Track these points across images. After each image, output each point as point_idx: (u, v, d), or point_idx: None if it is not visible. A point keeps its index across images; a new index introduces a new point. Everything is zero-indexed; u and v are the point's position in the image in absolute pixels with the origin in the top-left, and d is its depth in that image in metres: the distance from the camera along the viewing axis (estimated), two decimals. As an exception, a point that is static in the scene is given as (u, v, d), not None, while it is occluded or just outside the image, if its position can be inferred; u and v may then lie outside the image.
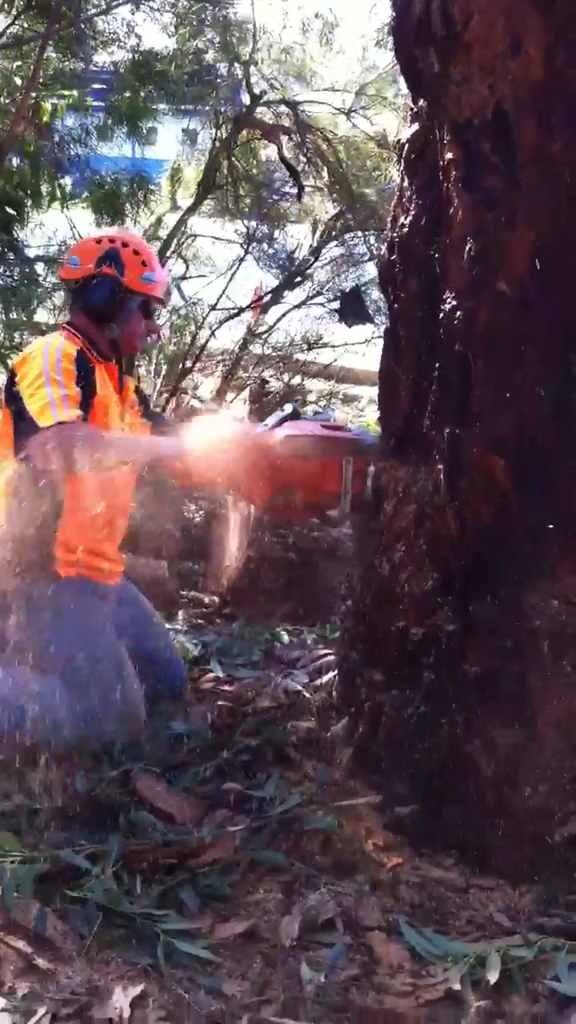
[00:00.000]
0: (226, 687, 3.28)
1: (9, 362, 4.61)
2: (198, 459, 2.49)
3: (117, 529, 3.02)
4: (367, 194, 5.90)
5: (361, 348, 6.82)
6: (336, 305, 6.61)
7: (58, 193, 5.43)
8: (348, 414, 7.61)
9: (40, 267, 5.60)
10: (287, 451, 2.54)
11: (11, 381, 2.74)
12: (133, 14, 5.29)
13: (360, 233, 6.32)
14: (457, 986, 1.97)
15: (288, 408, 2.70)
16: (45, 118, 5.04)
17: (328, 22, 5.86)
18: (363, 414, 7.55)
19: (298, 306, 6.83)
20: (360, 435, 2.76)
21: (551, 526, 2.32)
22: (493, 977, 1.99)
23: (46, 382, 2.52)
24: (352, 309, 6.23)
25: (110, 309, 2.85)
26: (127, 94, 5.36)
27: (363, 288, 6.34)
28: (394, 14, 2.40)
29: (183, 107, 5.87)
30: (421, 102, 2.47)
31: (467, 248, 2.30)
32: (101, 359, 2.90)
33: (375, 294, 6.01)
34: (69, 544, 2.79)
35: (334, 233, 6.50)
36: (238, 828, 2.41)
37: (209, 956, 2.05)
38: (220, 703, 3.13)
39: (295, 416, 2.66)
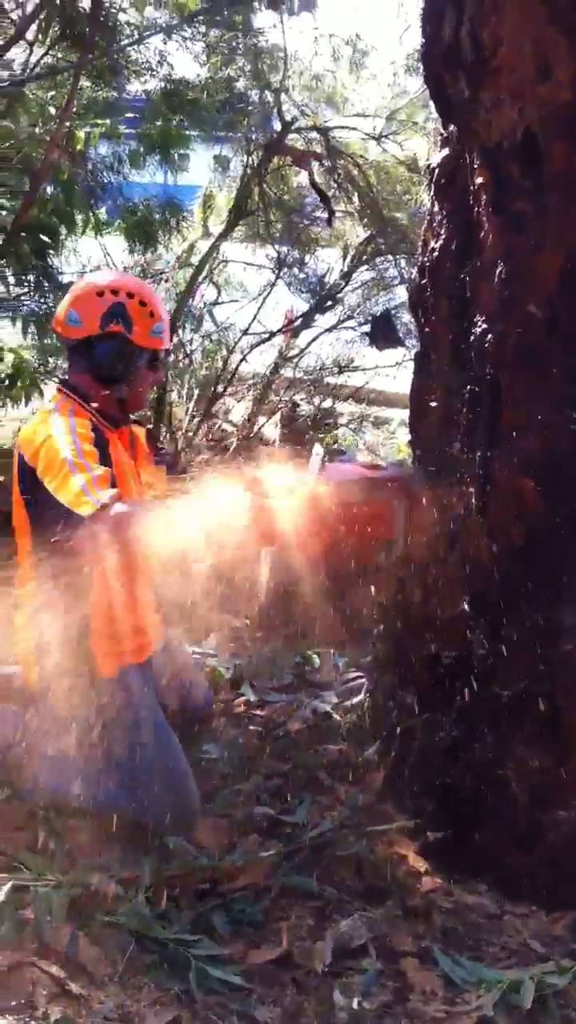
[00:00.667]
0: (258, 711, 3.28)
1: (42, 388, 4.66)
2: (252, 520, 2.33)
3: (151, 592, 2.78)
4: (398, 218, 5.91)
5: (392, 371, 6.82)
6: (367, 329, 6.62)
7: (92, 220, 5.48)
8: (379, 436, 7.61)
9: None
10: (340, 500, 2.42)
11: (22, 467, 2.51)
12: (165, 43, 5.34)
13: (391, 257, 6.33)
14: (491, 1012, 1.96)
15: (318, 451, 2.62)
16: (79, 146, 5.09)
17: (359, 49, 5.91)
18: (394, 437, 7.54)
19: (329, 330, 6.85)
20: (401, 472, 2.69)
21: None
22: (527, 1003, 1.98)
23: (71, 469, 2.32)
24: (383, 333, 6.23)
25: (119, 371, 2.59)
26: (159, 122, 5.41)
27: (393, 312, 6.35)
28: (424, 40, 2.42)
29: (215, 134, 5.93)
30: (451, 127, 2.49)
31: (497, 271, 2.31)
32: (112, 427, 2.63)
33: (405, 317, 6.01)
34: (105, 636, 2.56)
35: (364, 257, 6.52)
36: (269, 854, 2.41)
37: (241, 982, 2.05)
38: (251, 727, 3.13)
39: (330, 457, 2.57)
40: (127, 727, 2.49)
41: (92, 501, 2.24)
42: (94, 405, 2.59)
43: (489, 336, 2.34)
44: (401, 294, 6.39)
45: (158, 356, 2.69)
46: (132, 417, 2.82)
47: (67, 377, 2.68)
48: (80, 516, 2.23)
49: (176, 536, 2.23)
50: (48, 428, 2.46)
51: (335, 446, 6.77)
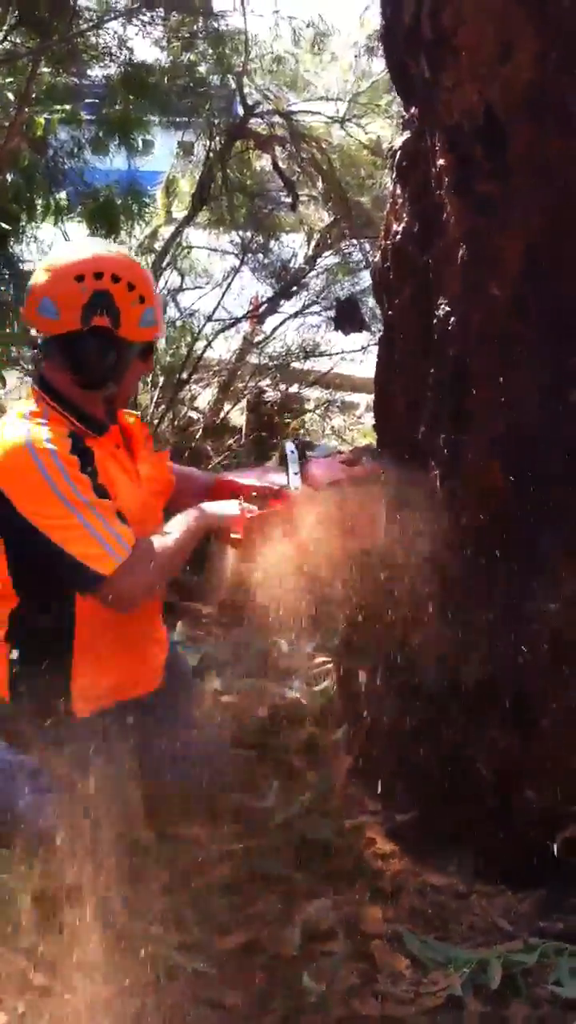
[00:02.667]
0: (225, 697, 3.27)
1: (3, 375, 4.60)
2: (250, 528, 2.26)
3: (154, 623, 2.49)
4: (362, 202, 5.89)
5: (358, 356, 6.81)
6: (332, 314, 6.60)
7: (53, 206, 5.43)
8: (346, 421, 7.60)
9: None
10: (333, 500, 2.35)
11: None
12: (125, 28, 5.29)
13: (355, 241, 6.31)
14: (459, 992, 1.98)
15: (291, 447, 2.46)
16: (39, 132, 5.04)
17: (320, 31, 5.88)
18: (361, 421, 7.54)
19: (294, 315, 6.82)
20: (378, 464, 2.58)
21: (549, 528, 2.32)
22: (495, 983, 1.99)
23: (73, 510, 2.01)
24: (348, 317, 6.22)
25: (106, 372, 2.18)
26: (119, 107, 5.36)
27: (359, 296, 6.34)
28: (384, 21, 2.41)
29: (176, 119, 5.88)
30: (413, 109, 2.48)
31: (460, 253, 2.30)
32: (95, 433, 2.23)
33: (371, 302, 5.99)
34: (88, 683, 2.24)
35: (329, 241, 6.50)
36: (239, 843, 2.40)
37: (210, 969, 2.04)
38: (219, 714, 3.12)
39: (303, 454, 2.46)
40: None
41: (112, 556, 2.02)
42: (74, 409, 2.21)
43: (453, 319, 2.34)
44: (366, 278, 6.36)
45: (152, 346, 2.34)
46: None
47: (41, 372, 2.25)
48: (96, 573, 2.03)
49: (180, 560, 2.24)
50: (18, 441, 2.08)
51: (306, 438, 6.75)
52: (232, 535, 2.29)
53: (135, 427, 2.46)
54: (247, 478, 2.51)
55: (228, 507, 2.33)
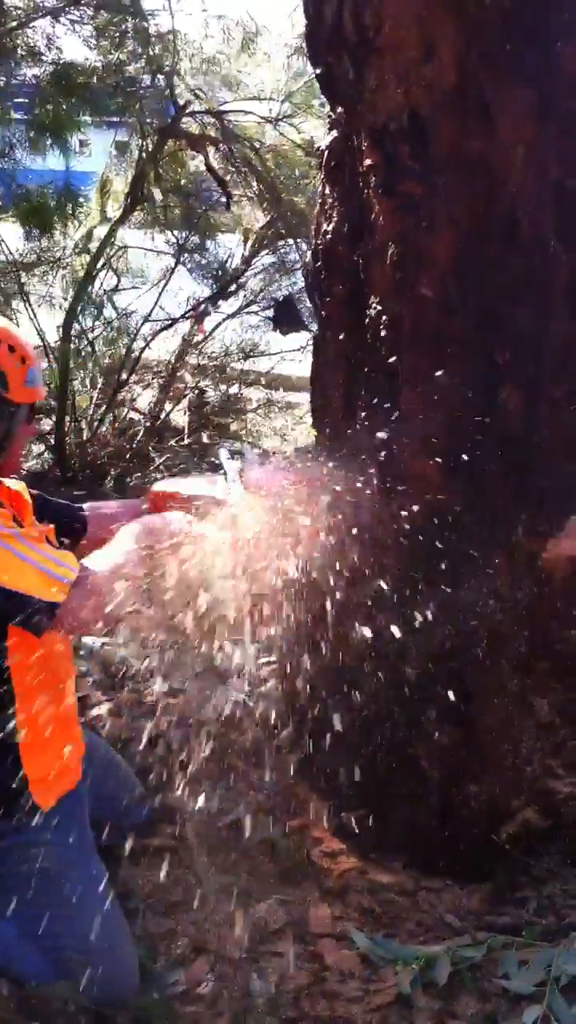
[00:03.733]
0: (170, 700, 3.26)
1: None
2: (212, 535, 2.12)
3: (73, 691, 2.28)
4: (297, 202, 5.89)
5: (297, 356, 6.84)
6: (270, 313, 6.61)
7: (-17, 208, 5.39)
8: (288, 421, 7.61)
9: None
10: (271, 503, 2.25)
11: None
12: (53, 27, 5.25)
13: (291, 241, 6.31)
14: (407, 989, 1.98)
15: (224, 454, 2.38)
16: (-32, 133, 5.00)
17: (250, 31, 5.86)
18: (303, 421, 7.55)
19: (232, 315, 6.82)
20: (316, 470, 2.44)
21: (484, 524, 2.34)
22: (443, 978, 2.01)
23: (7, 548, 1.87)
24: (286, 317, 6.24)
25: (3, 436, 2.06)
26: (50, 107, 5.32)
27: (296, 296, 6.36)
28: (307, 21, 2.40)
29: (109, 119, 5.84)
30: (339, 109, 2.48)
31: (389, 253, 2.31)
32: None
33: (308, 301, 6.02)
34: (39, 765, 2.05)
35: (265, 241, 6.50)
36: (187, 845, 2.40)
37: (159, 972, 2.04)
38: (164, 717, 3.11)
39: (245, 459, 2.35)
40: (54, 879, 1.98)
41: (61, 580, 1.87)
42: None
43: (384, 318, 2.35)
44: (303, 278, 6.39)
45: (34, 407, 2.18)
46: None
47: None
48: (47, 603, 1.86)
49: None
50: None
51: (244, 443, 6.73)
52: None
53: (21, 495, 2.23)
54: (183, 487, 2.40)
55: (166, 517, 2.19)
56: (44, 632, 1.92)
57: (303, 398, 7.54)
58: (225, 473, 2.36)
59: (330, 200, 2.54)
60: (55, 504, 2.36)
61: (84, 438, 6.11)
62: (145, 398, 6.97)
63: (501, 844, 2.36)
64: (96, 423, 6.19)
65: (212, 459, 6.27)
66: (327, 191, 2.55)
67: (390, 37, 2.20)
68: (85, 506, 2.45)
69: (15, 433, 2.08)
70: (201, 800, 2.56)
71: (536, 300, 2.27)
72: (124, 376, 6.34)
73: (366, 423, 2.46)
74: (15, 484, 2.21)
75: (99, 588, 1.91)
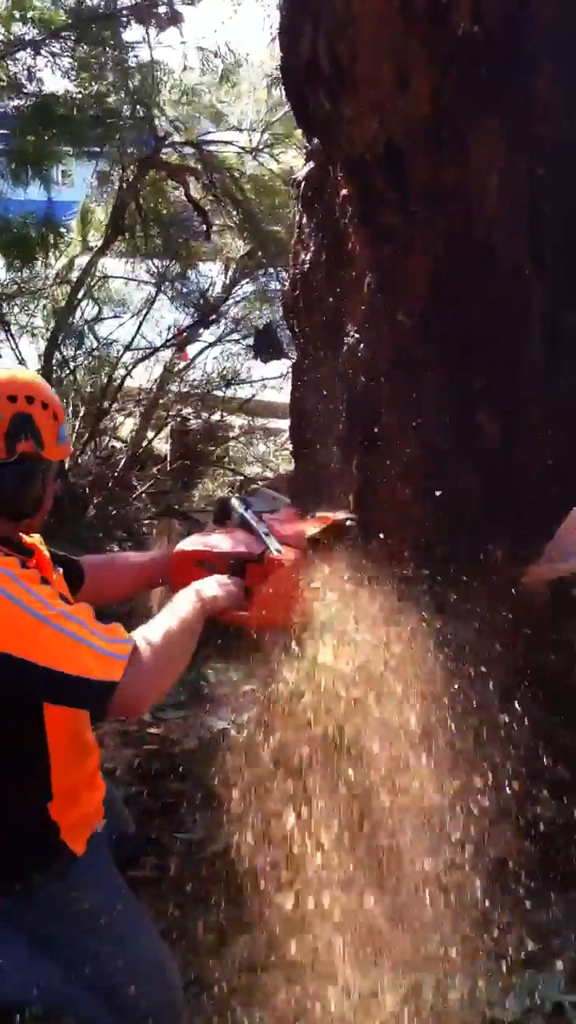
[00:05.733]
0: (153, 729, 3.25)
1: None
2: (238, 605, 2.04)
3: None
4: (277, 231, 5.94)
5: (278, 383, 6.87)
6: (251, 341, 6.64)
7: (-35, 238, 5.40)
8: (270, 448, 7.63)
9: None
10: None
11: None
12: (34, 59, 5.29)
13: (271, 269, 6.36)
14: None
15: (241, 505, 2.23)
16: (-52, 164, 5.03)
17: (229, 62, 5.93)
18: (285, 448, 7.57)
19: (213, 343, 6.86)
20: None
21: (464, 554, 2.34)
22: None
23: (51, 623, 1.76)
24: (266, 344, 6.27)
25: (38, 497, 1.97)
26: (31, 138, 5.35)
27: (276, 323, 6.39)
28: (282, 54, 2.43)
29: (89, 150, 5.87)
30: (315, 140, 2.51)
31: (366, 282, 2.34)
32: (17, 553, 1.96)
33: (288, 329, 6.06)
34: (71, 816, 1.98)
35: (246, 270, 6.54)
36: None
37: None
38: (147, 746, 3.10)
39: (254, 505, 2.22)
40: (96, 917, 1.93)
41: (114, 657, 1.75)
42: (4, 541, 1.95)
43: (362, 346, 2.37)
44: (283, 306, 6.43)
45: (64, 463, 2.13)
46: None
47: None
48: (103, 682, 1.74)
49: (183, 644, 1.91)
50: None
51: (243, 491, 6.67)
52: (239, 613, 2.05)
53: (39, 552, 2.12)
54: (216, 545, 2.19)
55: (221, 584, 2.07)
56: (109, 713, 1.81)
57: (284, 424, 7.57)
58: (255, 529, 2.19)
59: (308, 230, 2.56)
60: (54, 555, 2.31)
61: (66, 467, 6.11)
62: (127, 427, 6.97)
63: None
64: (78, 452, 6.19)
65: (195, 502, 6.32)
66: (305, 221, 2.58)
67: (365, 69, 2.23)
68: (87, 558, 2.35)
69: (49, 489, 2.01)
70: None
71: (512, 325, 2.29)
72: (106, 405, 6.34)
73: (344, 450, 2.47)
74: (32, 537, 2.12)
75: (151, 666, 1.81)
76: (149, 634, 1.86)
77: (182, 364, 7.00)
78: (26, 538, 2.06)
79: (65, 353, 6.18)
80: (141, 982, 1.91)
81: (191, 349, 6.95)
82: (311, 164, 2.53)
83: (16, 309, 6.23)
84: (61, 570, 2.11)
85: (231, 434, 7.38)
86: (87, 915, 1.92)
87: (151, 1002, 1.91)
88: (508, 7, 2.15)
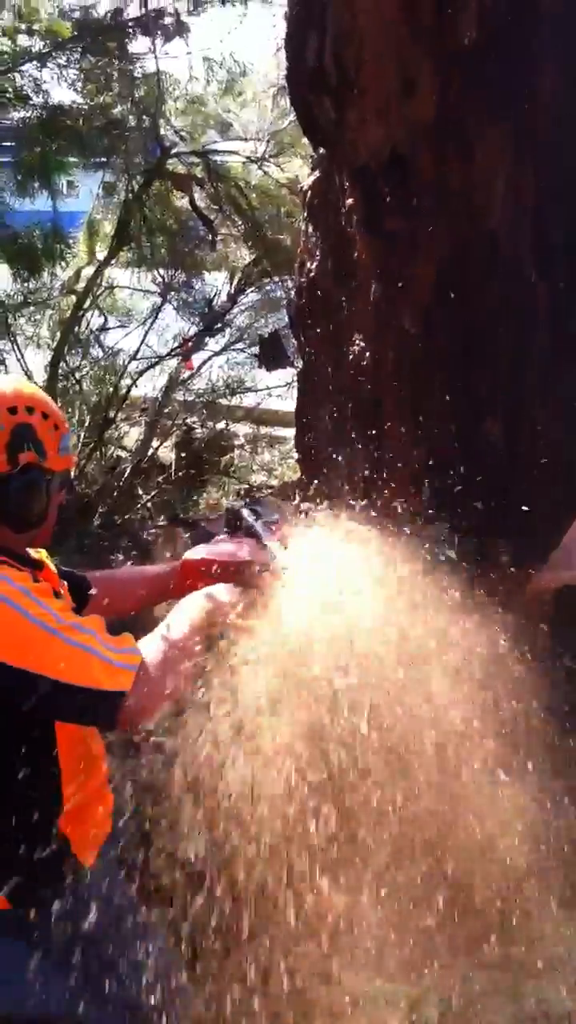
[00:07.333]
0: (161, 739, 3.23)
1: None
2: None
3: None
4: (282, 240, 5.94)
5: (283, 391, 6.86)
6: (256, 350, 6.64)
7: (-29, 250, 5.42)
8: (275, 456, 7.62)
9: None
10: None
11: None
12: (40, 71, 5.31)
13: (277, 278, 6.36)
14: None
15: (250, 515, 2.20)
16: (-44, 176, 5.04)
17: (234, 72, 5.94)
18: (291, 456, 7.56)
19: (219, 352, 6.86)
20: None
21: (475, 564, 2.33)
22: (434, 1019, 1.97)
23: (61, 636, 1.76)
24: (271, 353, 6.26)
25: (43, 508, 1.96)
26: (37, 149, 5.36)
27: (283, 332, 6.38)
28: (288, 63, 2.43)
29: (96, 160, 5.88)
30: (321, 149, 2.51)
31: (372, 290, 2.33)
32: (26, 567, 1.96)
33: (293, 337, 6.04)
34: (82, 831, 1.97)
35: (251, 279, 6.55)
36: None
37: None
38: (148, 756, 3.09)
39: (264, 515, 2.19)
40: (110, 929, 1.95)
41: (123, 667, 1.77)
42: (10, 554, 1.94)
43: (367, 354, 2.37)
44: (289, 314, 6.42)
45: (70, 474, 2.09)
46: None
47: None
48: (114, 692, 1.74)
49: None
50: None
51: (249, 498, 6.65)
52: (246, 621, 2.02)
53: (45, 567, 2.11)
54: (224, 554, 2.18)
55: (228, 591, 2.07)
56: (118, 725, 1.79)
57: (290, 432, 7.54)
58: (251, 530, 2.18)
59: (313, 238, 2.56)
60: (60, 569, 2.30)
61: (71, 476, 6.09)
62: (132, 436, 6.97)
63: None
64: (83, 461, 6.18)
65: (206, 512, 6.30)
66: (310, 230, 2.58)
67: (370, 76, 2.23)
68: (94, 573, 2.31)
69: (54, 501, 2.00)
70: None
71: (517, 329, 2.28)
72: (111, 414, 6.34)
73: (350, 458, 2.46)
74: (39, 552, 2.10)
75: (161, 674, 1.80)
76: (157, 641, 1.86)
77: (187, 373, 7.00)
78: (32, 552, 2.04)
79: (71, 363, 6.18)
80: (152, 992, 1.91)
81: (196, 358, 6.94)
82: (317, 173, 2.53)
83: (22, 320, 6.24)
84: (66, 584, 2.09)
85: (236, 442, 7.37)
86: (98, 927, 1.91)
87: (161, 1012, 1.90)
88: (513, 10, 2.15)
